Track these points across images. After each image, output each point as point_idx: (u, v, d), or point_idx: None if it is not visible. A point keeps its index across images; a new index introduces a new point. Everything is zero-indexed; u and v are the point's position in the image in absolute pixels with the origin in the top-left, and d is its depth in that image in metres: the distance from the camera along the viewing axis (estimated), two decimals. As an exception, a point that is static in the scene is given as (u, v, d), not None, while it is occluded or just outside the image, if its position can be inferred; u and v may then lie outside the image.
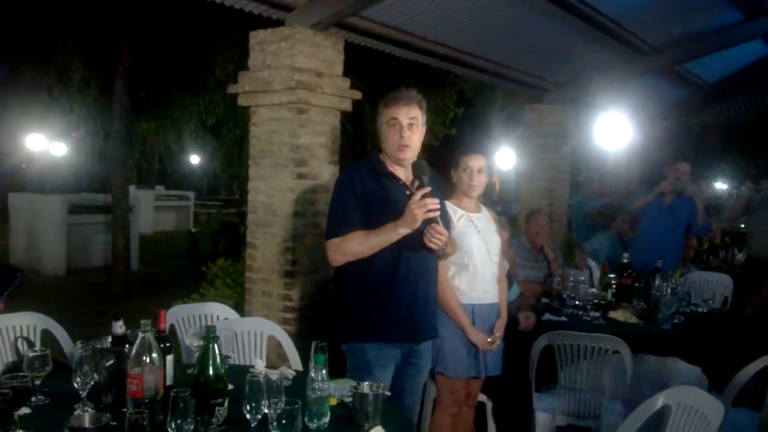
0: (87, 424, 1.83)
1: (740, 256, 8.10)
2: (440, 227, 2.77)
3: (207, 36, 9.37)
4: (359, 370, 2.86)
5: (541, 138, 8.16)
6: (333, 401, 2.30)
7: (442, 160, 3.92)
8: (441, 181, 3.16)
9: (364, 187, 2.88)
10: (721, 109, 10.78)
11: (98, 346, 2.28)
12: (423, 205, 2.65)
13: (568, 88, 7.86)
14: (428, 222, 2.74)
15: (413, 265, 2.95)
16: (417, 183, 2.85)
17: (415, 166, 2.88)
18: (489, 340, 3.44)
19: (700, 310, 4.53)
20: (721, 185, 25.04)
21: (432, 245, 2.80)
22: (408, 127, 2.89)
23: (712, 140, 19.03)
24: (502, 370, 3.69)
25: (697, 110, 10.49)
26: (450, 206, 3.38)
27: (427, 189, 2.70)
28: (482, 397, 3.99)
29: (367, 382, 2.27)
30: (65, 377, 2.28)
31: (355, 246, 2.84)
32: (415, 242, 2.84)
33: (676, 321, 4.15)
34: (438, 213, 2.72)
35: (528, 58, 6.96)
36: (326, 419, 2.14)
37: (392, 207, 2.83)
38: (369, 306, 2.93)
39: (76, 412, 2.08)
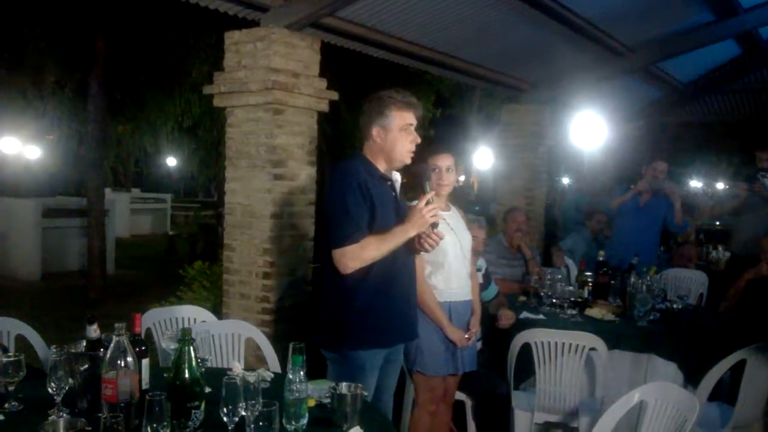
0: (62, 430, 1.81)
1: (714, 254, 8.19)
2: (440, 231, 2.87)
3: (183, 37, 9.29)
4: (353, 377, 2.80)
5: (518, 138, 8.19)
6: (311, 402, 2.30)
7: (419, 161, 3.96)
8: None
9: (368, 190, 2.85)
10: (695, 108, 10.93)
11: (73, 351, 2.25)
12: (430, 210, 2.76)
13: (545, 89, 7.89)
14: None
15: (405, 268, 3.01)
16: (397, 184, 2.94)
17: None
18: (466, 336, 3.49)
19: (675, 306, 4.57)
20: (696, 183, 25.34)
21: (427, 247, 2.89)
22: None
23: (687, 139, 19.20)
24: (481, 368, 3.71)
25: (672, 109, 10.61)
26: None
27: (432, 193, 2.85)
28: (462, 396, 4.00)
29: (345, 383, 2.27)
30: (40, 382, 2.24)
31: (372, 252, 2.79)
32: (407, 245, 2.89)
33: (651, 318, 4.19)
34: (439, 218, 2.84)
35: (505, 59, 6.99)
36: (304, 421, 2.13)
37: (388, 209, 2.91)
38: (371, 313, 2.88)
39: (51, 418, 2.05)
